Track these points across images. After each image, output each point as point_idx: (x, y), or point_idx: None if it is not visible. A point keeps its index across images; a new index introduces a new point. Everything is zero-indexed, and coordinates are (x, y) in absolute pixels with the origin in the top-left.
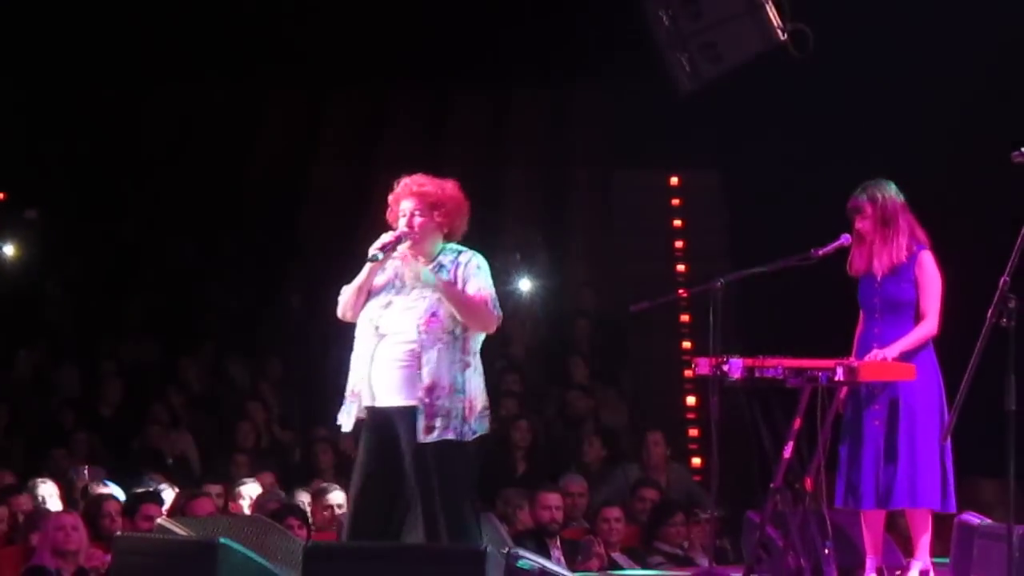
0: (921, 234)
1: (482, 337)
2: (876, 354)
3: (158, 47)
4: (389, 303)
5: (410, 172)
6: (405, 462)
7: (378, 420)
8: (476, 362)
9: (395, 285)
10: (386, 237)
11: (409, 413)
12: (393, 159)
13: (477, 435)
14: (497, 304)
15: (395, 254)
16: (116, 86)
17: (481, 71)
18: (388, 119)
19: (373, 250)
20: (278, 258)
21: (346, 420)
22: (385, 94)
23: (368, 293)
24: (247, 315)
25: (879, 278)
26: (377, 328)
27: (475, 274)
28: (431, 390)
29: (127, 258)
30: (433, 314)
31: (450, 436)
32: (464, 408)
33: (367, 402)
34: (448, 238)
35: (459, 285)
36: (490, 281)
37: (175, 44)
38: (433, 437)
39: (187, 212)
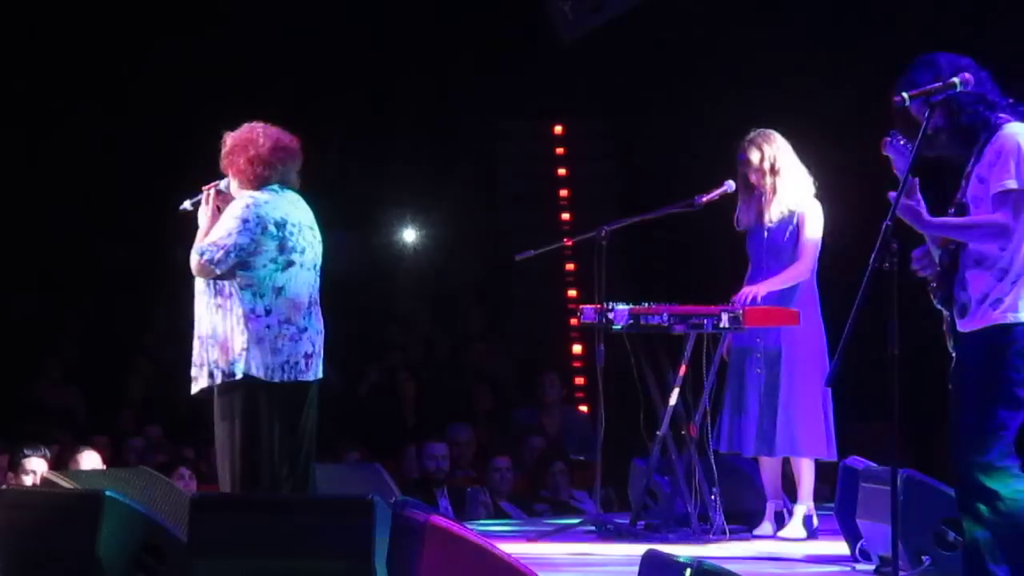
0: (809, 183)
1: (248, 274)
2: (746, 291)
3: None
4: None
5: (293, 127)
6: None
7: None
8: (233, 303)
9: None
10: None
11: None
12: (275, 114)
13: (245, 375)
14: (213, 250)
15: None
16: None
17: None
18: (271, 74)
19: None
20: (162, 211)
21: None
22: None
23: None
24: (132, 268)
25: (767, 229)
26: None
27: (222, 220)
28: (201, 341)
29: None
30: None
31: (206, 384)
32: (219, 350)
33: None
34: (251, 184)
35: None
36: (230, 225)
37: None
38: (195, 388)
39: (68, 167)
